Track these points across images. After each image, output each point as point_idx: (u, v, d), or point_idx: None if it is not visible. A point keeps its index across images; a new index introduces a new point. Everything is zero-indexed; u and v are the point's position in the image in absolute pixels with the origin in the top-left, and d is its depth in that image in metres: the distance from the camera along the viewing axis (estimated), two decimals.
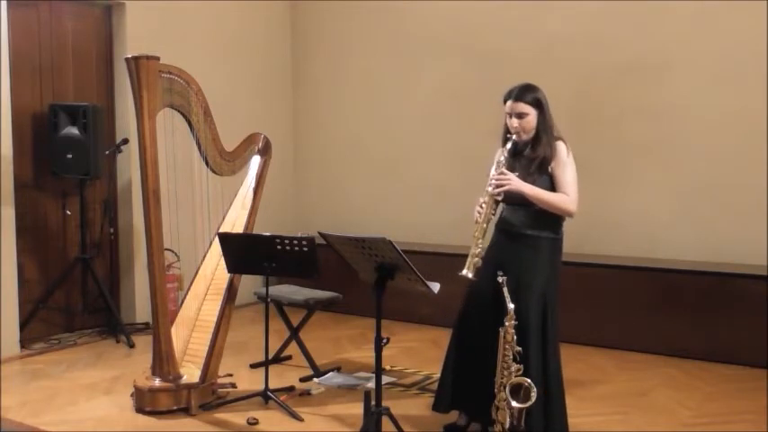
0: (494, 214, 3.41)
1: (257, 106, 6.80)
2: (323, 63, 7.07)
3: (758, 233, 5.09)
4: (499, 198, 3.37)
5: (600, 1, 5.63)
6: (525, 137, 3.43)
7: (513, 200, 3.46)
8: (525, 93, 3.40)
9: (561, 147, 3.42)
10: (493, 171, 3.38)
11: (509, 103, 3.42)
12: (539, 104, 3.40)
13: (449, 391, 3.60)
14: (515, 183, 3.32)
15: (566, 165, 3.39)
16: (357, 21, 6.84)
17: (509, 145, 3.40)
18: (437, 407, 3.65)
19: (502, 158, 3.39)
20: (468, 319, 3.57)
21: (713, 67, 5.27)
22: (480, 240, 3.29)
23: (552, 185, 3.41)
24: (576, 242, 5.54)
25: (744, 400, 4.20)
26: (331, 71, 7.03)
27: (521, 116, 3.39)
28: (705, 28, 5.29)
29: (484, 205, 3.33)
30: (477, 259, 3.27)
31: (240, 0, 6.65)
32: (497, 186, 3.31)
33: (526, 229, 3.44)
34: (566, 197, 3.37)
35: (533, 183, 3.38)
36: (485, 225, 3.32)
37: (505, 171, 3.34)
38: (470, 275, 3.24)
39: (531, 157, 3.43)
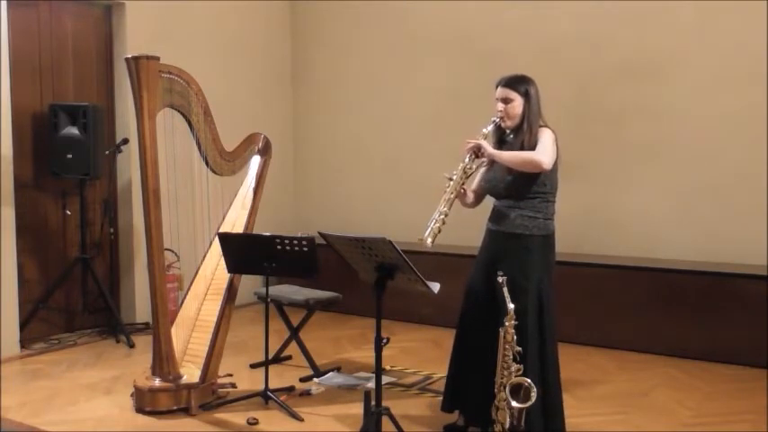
0: (464, 189, 3.48)
1: (257, 106, 6.80)
2: (323, 63, 7.08)
3: (758, 233, 5.09)
4: (469, 169, 3.41)
5: (600, 1, 5.63)
6: (510, 123, 3.48)
7: (500, 193, 3.49)
8: (515, 81, 3.49)
9: (545, 131, 3.45)
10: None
11: (499, 88, 3.51)
12: (526, 94, 3.46)
13: (454, 394, 3.61)
14: (484, 143, 3.40)
15: (543, 140, 3.40)
16: (357, 21, 6.84)
17: (490, 126, 3.49)
18: (442, 406, 3.68)
19: (480, 136, 3.46)
20: (466, 321, 3.58)
21: (713, 68, 5.27)
22: (446, 209, 3.32)
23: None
24: (576, 242, 5.56)
25: (744, 400, 4.20)
26: (331, 71, 7.03)
27: (506, 101, 3.47)
28: (705, 28, 5.29)
29: (454, 176, 3.38)
30: (438, 225, 3.28)
31: (240, 0, 6.66)
32: (468, 146, 3.40)
33: (516, 229, 3.44)
34: (533, 152, 3.36)
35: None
36: (452, 196, 3.36)
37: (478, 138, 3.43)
38: (429, 242, 3.26)
39: (514, 144, 3.49)
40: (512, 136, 3.51)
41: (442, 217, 3.31)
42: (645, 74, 5.50)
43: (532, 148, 3.39)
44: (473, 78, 6.13)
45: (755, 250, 5.09)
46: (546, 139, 3.40)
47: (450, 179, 3.39)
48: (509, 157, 3.39)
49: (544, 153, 3.34)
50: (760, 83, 5.08)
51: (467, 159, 3.43)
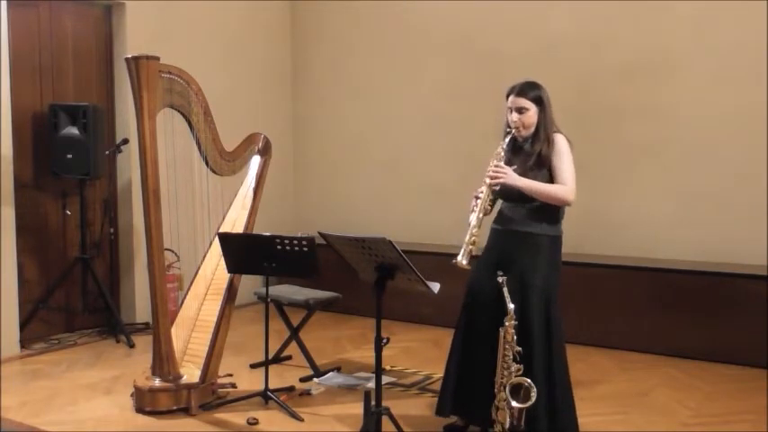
0: (491, 205, 3.43)
1: (257, 106, 6.80)
2: (323, 63, 7.08)
3: (758, 233, 5.09)
4: (495, 188, 3.38)
5: (600, 1, 5.63)
6: (525, 132, 3.46)
7: (511, 197, 3.48)
8: (528, 89, 3.45)
9: (561, 139, 3.45)
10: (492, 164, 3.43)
11: (511, 97, 3.47)
12: (540, 101, 3.44)
13: (451, 396, 3.58)
14: (511, 177, 3.35)
15: (562, 155, 3.41)
16: (357, 21, 6.84)
17: (507, 138, 3.45)
18: (440, 411, 3.62)
19: (500, 151, 3.42)
20: (469, 322, 3.55)
21: (713, 67, 5.27)
22: (476, 229, 3.27)
23: (551, 179, 3.43)
24: (576, 242, 5.55)
25: (744, 400, 4.20)
26: (331, 71, 7.03)
27: (521, 111, 3.43)
28: (705, 28, 5.29)
29: (481, 194, 3.34)
30: (471, 247, 3.24)
31: (240, 0, 6.66)
32: (493, 178, 3.33)
33: (525, 228, 3.44)
34: (562, 186, 3.37)
35: (533, 177, 3.40)
36: (481, 215, 3.32)
37: (502, 165, 3.37)
38: (465, 262, 3.21)
39: (530, 152, 3.46)
40: (526, 144, 3.49)
41: (474, 238, 3.25)
42: (645, 74, 5.50)
43: (549, 157, 3.40)
44: (473, 78, 6.14)
45: (755, 250, 5.09)
46: (566, 159, 3.39)
47: (478, 197, 3.34)
48: (535, 190, 3.36)
49: (571, 189, 3.36)
50: (760, 83, 5.08)
51: (488, 180, 3.35)
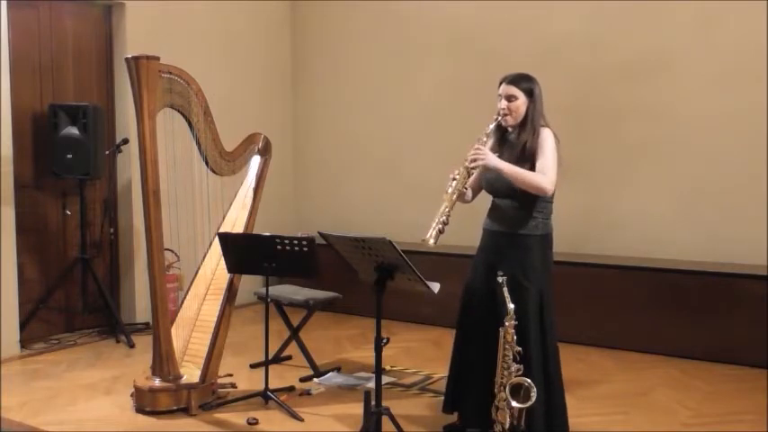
0: (466, 188, 3.45)
1: (257, 106, 6.80)
2: (323, 63, 7.08)
3: (758, 233, 5.09)
4: (473, 171, 3.39)
5: (600, 1, 5.63)
6: (511, 121, 3.46)
7: (499, 191, 3.48)
8: (519, 79, 3.47)
9: (546, 132, 3.44)
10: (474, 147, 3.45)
11: (503, 85, 3.48)
12: (530, 93, 3.45)
13: (451, 394, 3.61)
14: (490, 158, 3.36)
15: (546, 148, 3.39)
16: (357, 21, 6.84)
17: (492, 125, 3.47)
18: (444, 409, 3.66)
19: (483, 136, 3.43)
20: (465, 322, 3.57)
21: (713, 67, 5.27)
22: (448, 209, 3.29)
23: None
24: (576, 242, 5.56)
25: (744, 400, 4.20)
26: (331, 71, 7.03)
27: (510, 99, 3.44)
28: (705, 28, 5.29)
29: (457, 176, 3.36)
30: (441, 226, 3.25)
31: (240, 0, 6.66)
32: (472, 161, 3.35)
33: (513, 229, 3.43)
34: (541, 175, 3.35)
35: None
36: (454, 196, 3.34)
37: (481, 147, 3.38)
38: (432, 242, 3.22)
39: (516, 143, 3.46)
40: (513, 135, 3.50)
41: (444, 218, 3.28)
42: (645, 74, 5.50)
43: (534, 150, 3.38)
44: (473, 78, 6.13)
45: (755, 250, 5.09)
46: (549, 150, 3.37)
47: (454, 179, 3.36)
48: (513, 174, 3.34)
49: (549, 179, 3.33)
50: (760, 83, 5.07)
51: (467, 162, 3.38)
